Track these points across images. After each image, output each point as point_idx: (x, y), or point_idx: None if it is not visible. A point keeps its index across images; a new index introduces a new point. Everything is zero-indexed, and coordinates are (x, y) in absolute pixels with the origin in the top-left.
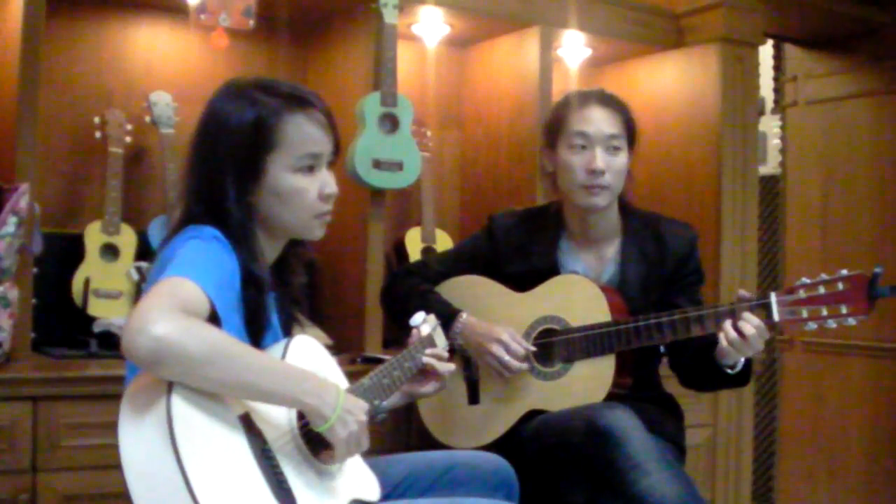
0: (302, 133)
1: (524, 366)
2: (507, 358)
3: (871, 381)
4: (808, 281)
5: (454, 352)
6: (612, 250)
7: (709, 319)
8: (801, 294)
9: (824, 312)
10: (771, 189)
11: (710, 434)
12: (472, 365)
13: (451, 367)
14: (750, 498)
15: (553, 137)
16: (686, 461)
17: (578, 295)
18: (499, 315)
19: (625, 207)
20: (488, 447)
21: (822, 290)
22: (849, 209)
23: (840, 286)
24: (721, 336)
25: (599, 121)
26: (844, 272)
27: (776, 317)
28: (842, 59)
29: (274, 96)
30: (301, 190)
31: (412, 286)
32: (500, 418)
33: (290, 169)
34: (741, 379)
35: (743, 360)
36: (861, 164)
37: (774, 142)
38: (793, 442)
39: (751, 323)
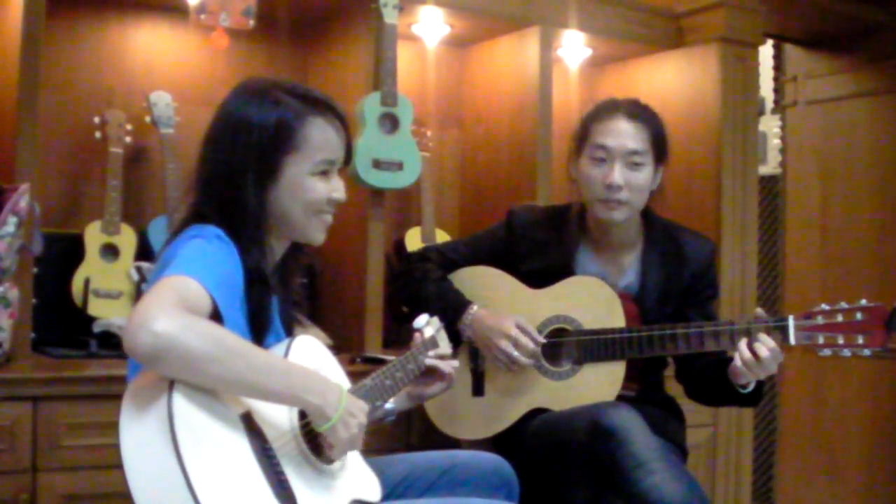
0: (321, 138)
1: (531, 362)
2: (515, 353)
3: (871, 381)
4: (826, 307)
5: (459, 344)
6: (631, 258)
7: (724, 336)
8: (819, 320)
9: (840, 341)
10: (771, 189)
11: (710, 434)
12: (479, 357)
13: (456, 363)
14: (750, 498)
15: (579, 146)
16: (687, 462)
17: (594, 297)
18: (511, 309)
19: (647, 215)
20: (489, 441)
21: (840, 317)
22: (849, 209)
23: (858, 316)
24: (735, 355)
25: (622, 135)
26: (864, 302)
27: (792, 340)
28: (842, 59)
29: (296, 98)
30: (315, 193)
31: (426, 271)
32: (503, 413)
33: (306, 172)
34: (752, 399)
35: (755, 380)
36: (861, 164)
37: (774, 142)
38: (793, 442)
39: (766, 345)
